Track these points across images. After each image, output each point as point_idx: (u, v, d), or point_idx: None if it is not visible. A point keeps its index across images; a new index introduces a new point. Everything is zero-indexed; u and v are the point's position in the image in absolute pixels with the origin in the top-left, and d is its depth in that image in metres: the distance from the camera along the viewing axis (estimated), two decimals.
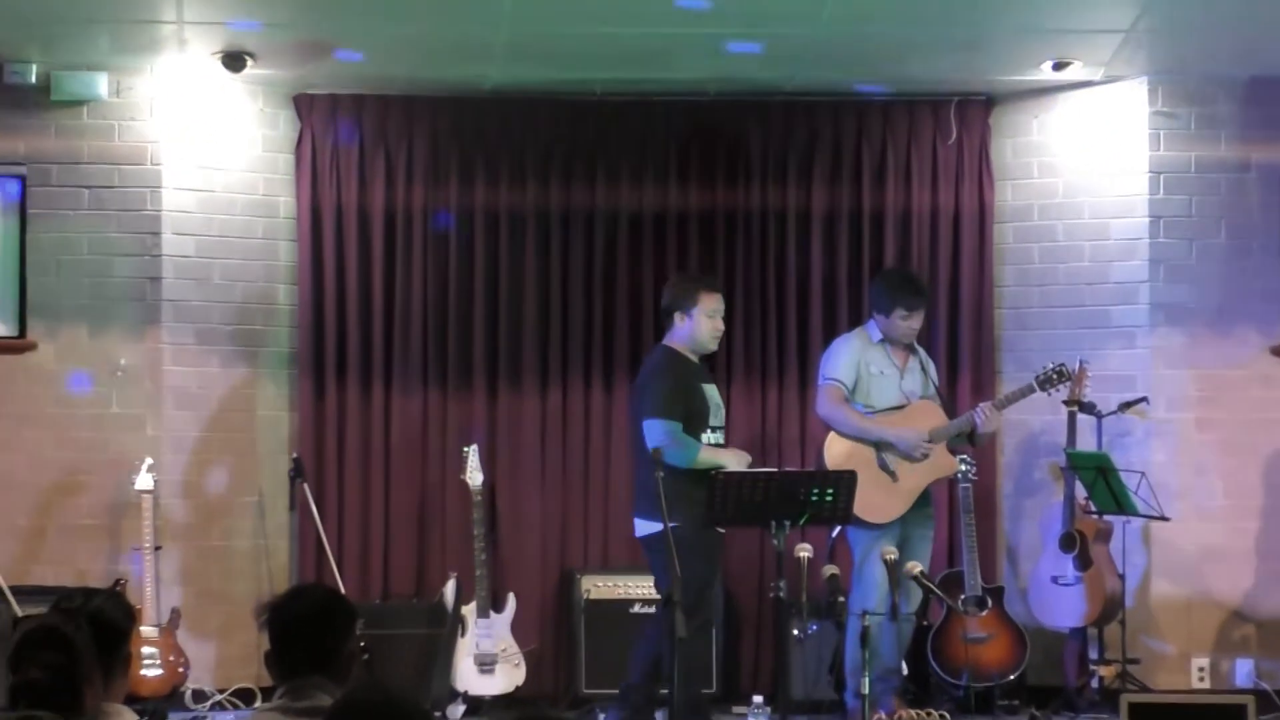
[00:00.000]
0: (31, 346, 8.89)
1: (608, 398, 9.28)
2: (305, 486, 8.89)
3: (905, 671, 8.42)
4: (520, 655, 8.76)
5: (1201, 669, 8.94)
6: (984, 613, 8.53)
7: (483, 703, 8.69)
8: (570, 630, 9.01)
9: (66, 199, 8.91)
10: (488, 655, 8.68)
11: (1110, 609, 8.60)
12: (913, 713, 8.21)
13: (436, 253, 9.26)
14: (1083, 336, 9.09)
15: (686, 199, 9.35)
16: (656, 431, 7.66)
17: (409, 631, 8.64)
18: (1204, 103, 9.05)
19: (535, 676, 8.89)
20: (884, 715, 8.06)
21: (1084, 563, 8.59)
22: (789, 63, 8.83)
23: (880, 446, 8.23)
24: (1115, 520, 8.62)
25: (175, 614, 8.57)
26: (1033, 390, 8.46)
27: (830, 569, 7.04)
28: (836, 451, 8.23)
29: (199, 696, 8.72)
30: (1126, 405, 8.86)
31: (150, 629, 8.40)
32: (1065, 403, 8.68)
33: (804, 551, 7.05)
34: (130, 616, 4.48)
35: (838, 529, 8.11)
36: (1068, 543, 8.62)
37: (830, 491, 7.18)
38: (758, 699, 7.37)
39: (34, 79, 8.78)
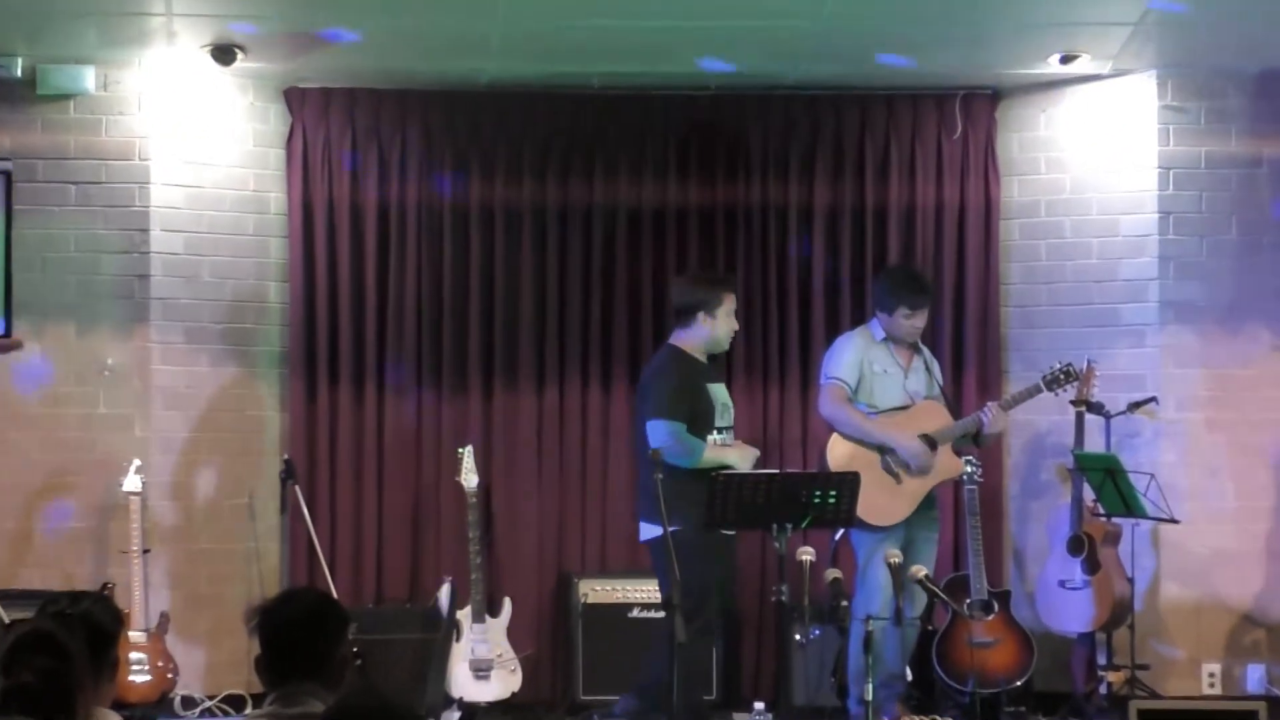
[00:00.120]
0: (17, 345, 8.82)
1: (605, 397, 9.24)
2: (297, 488, 8.85)
3: (909, 677, 8.36)
4: (516, 660, 8.71)
5: (1212, 675, 8.90)
6: (990, 617, 8.47)
7: (478, 709, 8.64)
8: (567, 635, 8.96)
9: (53, 195, 8.84)
10: (483, 661, 8.63)
11: (1119, 613, 8.55)
12: (917, 719, 8.12)
13: (431, 249, 9.22)
14: (1090, 335, 9.05)
15: (686, 194, 9.31)
16: (659, 432, 7.63)
17: (403, 636, 8.60)
18: (1214, 97, 9.01)
19: (532, 682, 8.85)
20: None
21: (1092, 566, 8.54)
22: (789, 58, 8.79)
23: (884, 449, 8.15)
24: (1124, 523, 8.58)
25: (164, 618, 8.51)
26: (1040, 390, 8.44)
27: (833, 572, 7.01)
28: (839, 453, 8.18)
29: (188, 703, 8.69)
30: (1135, 405, 8.83)
31: (138, 634, 8.35)
32: (1073, 403, 8.65)
33: (806, 555, 7.00)
34: (118, 620, 4.52)
35: (841, 532, 8.09)
36: (1075, 546, 8.57)
37: (833, 493, 7.17)
38: (759, 705, 7.41)
39: (19, 72, 8.71)
